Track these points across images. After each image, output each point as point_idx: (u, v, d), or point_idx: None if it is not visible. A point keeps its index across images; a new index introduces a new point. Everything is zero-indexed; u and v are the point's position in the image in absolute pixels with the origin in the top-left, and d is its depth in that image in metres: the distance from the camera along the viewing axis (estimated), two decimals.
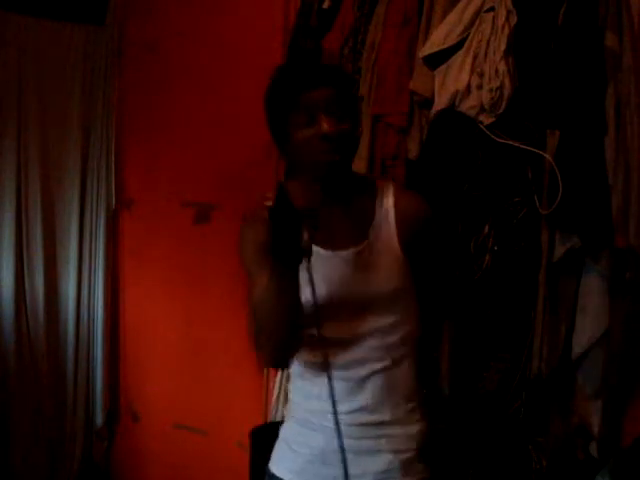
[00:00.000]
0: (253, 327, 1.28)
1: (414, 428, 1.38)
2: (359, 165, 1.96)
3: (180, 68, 2.94)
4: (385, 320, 1.35)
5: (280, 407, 2.43)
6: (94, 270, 3.26)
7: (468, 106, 1.75)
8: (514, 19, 1.68)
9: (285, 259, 1.17)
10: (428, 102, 1.86)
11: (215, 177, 2.82)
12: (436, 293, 1.53)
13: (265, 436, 2.26)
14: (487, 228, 1.83)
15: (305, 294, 1.26)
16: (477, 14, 1.76)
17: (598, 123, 1.61)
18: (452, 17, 1.81)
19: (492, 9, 1.72)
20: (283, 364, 1.38)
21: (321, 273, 1.29)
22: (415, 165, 1.91)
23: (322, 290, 1.29)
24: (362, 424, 1.35)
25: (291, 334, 1.28)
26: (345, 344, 1.34)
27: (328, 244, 1.33)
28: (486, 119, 1.73)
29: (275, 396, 2.44)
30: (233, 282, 2.69)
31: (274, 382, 2.47)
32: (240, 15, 2.68)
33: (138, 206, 3.20)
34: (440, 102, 1.80)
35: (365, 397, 1.34)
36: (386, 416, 1.36)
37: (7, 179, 3.07)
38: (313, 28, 2.21)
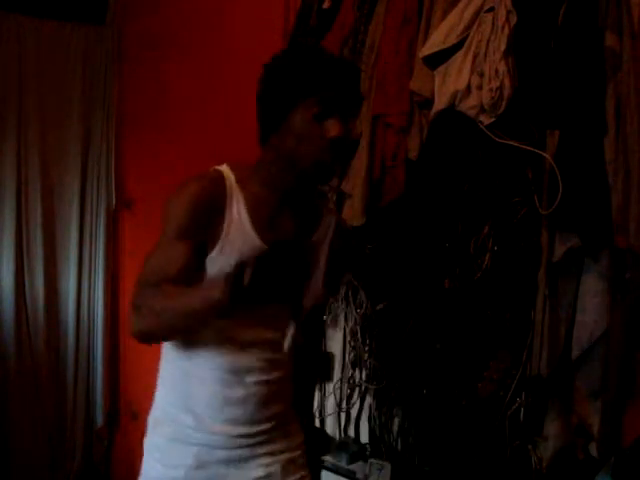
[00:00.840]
0: (142, 300, 1.22)
1: (295, 439, 1.42)
2: (359, 165, 1.96)
3: (180, 68, 2.94)
4: (278, 333, 1.30)
5: None
6: (94, 270, 3.26)
7: (468, 106, 1.75)
8: (514, 19, 1.68)
9: (242, 296, 1.10)
10: (428, 102, 1.86)
11: None
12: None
13: None
14: (487, 228, 1.83)
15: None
16: (477, 14, 1.76)
17: (598, 123, 1.61)
18: (452, 17, 1.81)
19: (492, 9, 1.72)
20: (150, 344, 1.33)
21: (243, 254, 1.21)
22: (415, 165, 1.91)
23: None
24: (240, 435, 1.33)
25: (176, 337, 1.30)
26: (240, 348, 1.31)
27: (269, 241, 1.26)
28: (486, 119, 1.73)
29: None
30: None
31: None
32: (240, 15, 2.67)
33: (138, 206, 3.20)
34: (440, 102, 1.80)
35: (246, 407, 1.32)
36: (266, 427, 1.36)
37: (7, 179, 3.07)
38: (313, 28, 2.20)
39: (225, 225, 1.26)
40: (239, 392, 1.31)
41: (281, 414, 1.40)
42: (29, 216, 3.13)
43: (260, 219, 1.29)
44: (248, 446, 1.34)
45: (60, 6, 3.08)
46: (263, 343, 1.33)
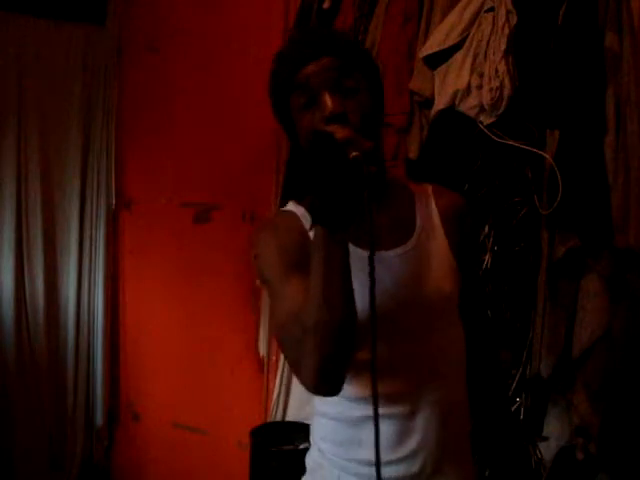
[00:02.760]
0: (293, 344, 0.99)
1: (468, 474, 1.16)
2: None
3: (180, 68, 2.94)
4: (439, 335, 1.10)
5: (280, 407, 2.43)
6: (94, 270, 3.26)
7: (468, 106, 1.75)
8: (514, 19, 1.68)
9: (339, 212, 0.90)
10: (428, 102, 1.86)
11: (215, 177, 2.82)
12: (474, 312, 1.25)
13: (265, 436, 2.27)
14: (487, 228, 1.83)
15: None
16: (477, 14, 1.76)
17: (598, 123, 1.61)
18: (452, 17, 1.81)
19: (492, 9, 1.72)
20: (337, 383, 1.01)
21: (360, 278, 0.97)
22: (415, 165, 1.91)
23: (361, 292, 0.98)
24: (411, 476, 1.08)
25: (347, 337, 0.97)
26: (395, 368, 1.07)
27: (366, 244, 0.99)
28: (486, 119, 1.73)
29: (275, 396, 2.44)
30: (233, 282, 2.70)
31: (274, 382, 2.48)
32: (240, 15, 2.68)
33: (138, 206, 3.20)
34: (440, 102, 1.80)
35: (415, 439, 1.07)
36: (439, 462, 1.09)
37: (7, 179, 3.07)
38: (313, 28, 2.21)
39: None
40: (404, 427, 1.08)
41: (459, 451, 1.16)
42: (29, 216, 3.13)
43: None
44: None
45: (60, 6, 3.08)
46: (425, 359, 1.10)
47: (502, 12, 1.70)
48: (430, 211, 1.18)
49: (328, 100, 1.03)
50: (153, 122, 3.10)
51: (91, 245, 3.24)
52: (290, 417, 2.42)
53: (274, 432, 2.30)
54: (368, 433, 0.99)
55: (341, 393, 1.04)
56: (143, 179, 3.19)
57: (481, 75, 1.72)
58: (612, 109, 1.61)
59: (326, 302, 0.94)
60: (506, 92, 1.68)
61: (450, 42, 1.79)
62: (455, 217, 1.19)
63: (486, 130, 1.73)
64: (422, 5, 1.91)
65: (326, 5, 2.17)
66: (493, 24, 1.71)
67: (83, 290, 3.25)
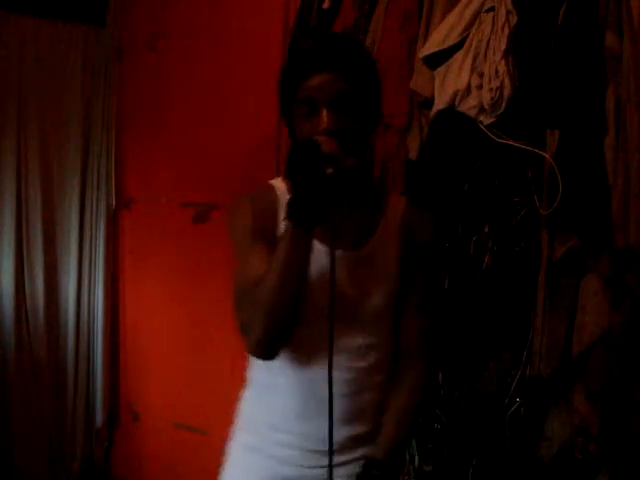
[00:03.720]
0: (247, 308, 1.16)
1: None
2: None
3: (180, 68, 2.94)
4: (362, 340, 1.25)
5: None
6: (94, 270, 3.26)
7: (468, 106, 1.75)
8: (514, 19, 1.68)
9: (308, 214, 1.05)
10: (428, 102, 1.86)
11: (215, 177, 2.82)
12: (412, 329, 1.35)
13: None
14: (487, 228, 1.83)
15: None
16: (477, 14, 1.76)
17: (598, 123, 1.61)
18: (452, 17, 1.81)
19: (492, 9, 1.72)
20: (274, 353, 1.20)
21: (313, 268, 1.16)
22: (415, 165, 1.91)
23: (315, 288, 1.17)
24: (316, 451, 1.25)
25: (291, 316, 1.13)
26: (322, 358, 1.19)
27: (326, 240, 1.20)
28: (486, 119, 1.73)
29: None
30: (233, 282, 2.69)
31: None
32: (240, 15, 2.67)
33: (138, 206, 3.20)
34: (440, 102, 1.80)
35: (321, 423, 1.19)
36: (343, 448, 1.26)
37: (7, 179, 3.07)
38: (313, 28, 2.21)
39: (278, 230, 1.23)
40: (316, 405, 1.22)
41: (366, 435, 1.29)
42: (29, 216, 3.13)
43: None
44: (322, 467, 1.23)
45: (60, 6, 3.08)
46: (347, 352, 1.24)
47: (502, 12, 1.70)
48: (395, 223, 1.30)
49: (325, 117, 1.14)
50: (153, 122, 3.10)
51: (91, 245, 3.25)
52: None
53: None
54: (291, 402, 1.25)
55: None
56: (143, 179, 3.19)
57: (481, 75, 1.72)
58: (612, 109, 1.61)
59: (281, 286, 1.10)
60: (506, 92, 1.67)
61: (450, 42, 1.79)
62: (414, 233, 1.30)
63: (486, 130, 1.73)
64: (422, 5, 1.91)
65: (326, 5, 2.17)
66: (493, 24, 1.71)
67: (83, 290, 3.25)
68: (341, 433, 1.24)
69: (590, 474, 1.64)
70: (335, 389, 1.16)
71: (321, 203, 1.05)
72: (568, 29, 1.65)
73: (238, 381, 2.80)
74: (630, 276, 1.63)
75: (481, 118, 1.73)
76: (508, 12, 1.69)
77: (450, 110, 1.78)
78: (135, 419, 3.22)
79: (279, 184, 1.29)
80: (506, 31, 1.68)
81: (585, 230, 1.62)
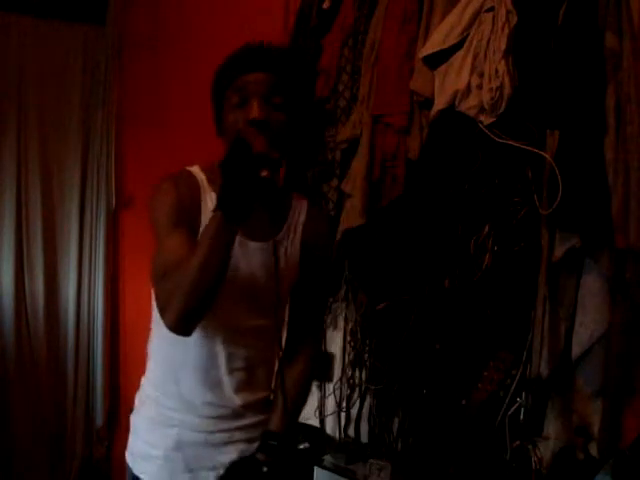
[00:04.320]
0: (166, 287, 1.23)
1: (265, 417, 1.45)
2: (359, 165, 1.96)
3: (180, 68, 2.94)
4: (261, 321, 1.40)
5: None
6: (94, 270, 3.26)
7: (468, 106, 1.75)
8: (514, 19, 1.68)
9: (236, 210, 1.13)
10: (428, 102, 1.86)
11: None
12: (305, 312, 1.53)
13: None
14: (487, 228, 1.83)
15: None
16: (477, 14, 1.76)
17: (598, 123, 1.61)
18: (452, 17, 1.81)
19: (492, 9, 1.72)
20: (190, 330, 1.29)
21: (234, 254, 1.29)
22: (415, 165, 1.91)
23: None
24: (220, 417, 1.40)
25: (211, 298, 1.22)
26: (224, 335, 1.37)
27: (241, 232, 1.31)
28: (486, 119, 1.72)
29: None
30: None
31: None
32: (240, 15, 2.67)
33: (138, 205, 3.20)
34: (440, 102, 1.80)
35: (224, 392, 1.39)
36: (243, 413, 1.42)
37: (7, 179, 3.07)
38: (313, 28, 2.20)
39: (202, 217, 1.34)
40: (217, 376, 1.38)
41: (261, 402, 1.46)
42: (29, 216, 3.13)
43: None
44: (228, 430, 1.41)
45: (60, 6, 3.09)
46: (246, 330, 1.39)
47: (502, 12, 1.69)
48: (298, 220, 1.45)
49: (255, 107, 1.26)
50: (153, 122, 3.10)
51: (91, 245, 3.25)
52: None
53: None
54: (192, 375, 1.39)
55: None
56: (143, 179, 3.19)
57: (481, 75, 1.72)
58: (612, 109, 1.61)
59: (205, 268, 1.17)
60: (506, 92, 1.67)
61: (450, 42, 1.79)
62: (315, 241, 1.46)
63: (486, 130, 1.73)
64: (422, 5, 1.91)
65: (326, 5, 2.17)
66: (493, 24, 1.71)
67: (83, 290, 3.25)
68: (237, 401, 1.41)
69: (590, 474, 1.64)
70: (234, 364, 1.38)
71: (252, 201, 1.14)
72: (568, 29, 1.64)
73: None
74: (630, 276, 1.63)
75: (481, 118, 1.73)
76: (508, 12, 1.69)
77: (450, 110, 1.78)
78: None
79: (197, 171, 1.41)
80: (506, 31, 1.68)
81: (585, 230, 1.62)
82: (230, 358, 1.38)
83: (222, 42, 2.75)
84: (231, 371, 1.39)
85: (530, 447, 1.74)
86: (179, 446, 1.40)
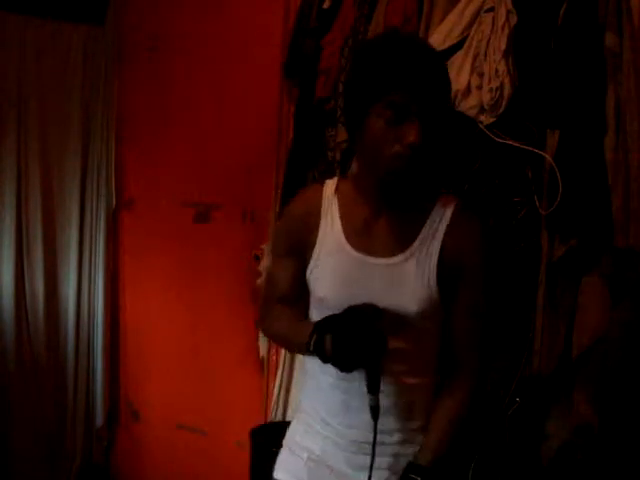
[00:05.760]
0: (270, 331, 1.44)
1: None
2: None
3: (180, 68, 2.94)
4: (396, 343, 1.19)
5: (280, 407, 2.43)
6: (94, 270, 3.26)
7: (468, 106, 1.75)
8: (514, 19, 1.68)
9: (343, 364, 1.12)
10: None
11: (215, 177, 2.82)
12: (457, 344, 1.33)
13: (265, 436, 2.27)
14: None
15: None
16: (477, 14, 1.76)
17: (598, 123, 1.61)
18: (452, 17, 1.81)
19: (492, 9, 1.72)
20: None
21: (343, 273, 1.25)
22: None
23: (339, 290, 1.24)
24: (364, 442, 1.26)
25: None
26: None
27: (362, 248, 1.24)
28: (486, 119, 1.73)
29: (275, 396, 2.44)
30: (233, 282, 2.70)
31: (274, 382, 2.47)
32: (240, 15, 2.68)
33: (138, 206, 3.20)
34: None
35: (365, 415, 1.21)
36: (388, 439, 1.29)
37: (7, 179, 3.07)
38: (313, 28, 2.21)
39: (320, 235, 1.28)
40: (356, 400, 1.25)
41: (402, 431, 1.31)
42: (29, 216, 3.13)
43: (353, 225, 1.27)
44: (370, 454, 1.22)
45: (60, 6, 3.09)
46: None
47: (502, 12, 1.70)
48: (438, 228, 1.23)
49: (415, 132, 1.09)
50: (153, 122, 3.10)
51: (91, 245, 3.25)
52: (290, 417, 2.42)
53: (274, 432, 2.29)
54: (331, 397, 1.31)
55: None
56: (143, 179, 3.19)
57: (481, 75, 1.72)
58: (612, 109, 1.61)
59: (284, 341, 1.40)
60: (506, 92, 1.68)
61: (450, 42, 1.79)
62: (459, 238, 1.23)
63: (486, 130, 1.73)
64: (422, 5, 1.91)
65: (326, 5, 2.18)
66: (493, 24, 1.71)
67: (83, 290, 3.25)
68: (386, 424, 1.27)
69: (590, 474, 1.64)
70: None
71: (363, 355, 1.11)
72: (568, 29, 1.65)
73: (238, 381, 2.82)
74: (630, 275, 1.63)
75: (481, 118, 1.73)
76: (508, 12, 1.69)
77: (450, 110, 1.78)
78: (135, 419, 3.22)
79: (331, 182, 1.33)
80: (506, 31, 1.68)
81: (585, 230, 1.62)
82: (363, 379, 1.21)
83: (222, 42, 2.76)
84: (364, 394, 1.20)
85: (530, 447, 1.74)
86: (322, 457, 1.34)
